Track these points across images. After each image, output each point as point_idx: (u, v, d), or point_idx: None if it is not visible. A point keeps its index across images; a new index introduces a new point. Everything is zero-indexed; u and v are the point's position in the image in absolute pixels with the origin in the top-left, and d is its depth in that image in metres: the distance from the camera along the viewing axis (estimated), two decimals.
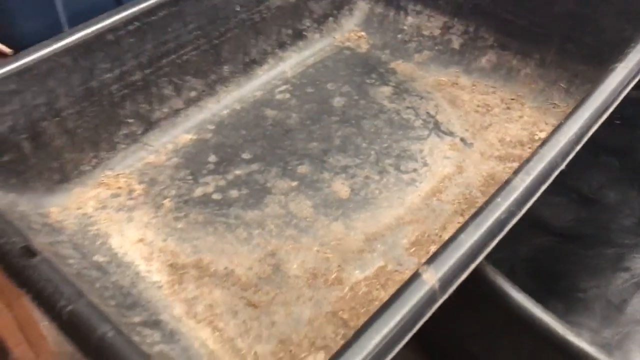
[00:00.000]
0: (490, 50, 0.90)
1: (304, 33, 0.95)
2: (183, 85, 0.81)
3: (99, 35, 0.69)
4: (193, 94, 0.82)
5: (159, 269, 0.65)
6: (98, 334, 0.41)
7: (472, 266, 0.48)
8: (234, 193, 0.73)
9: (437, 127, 0.82)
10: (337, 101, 0.86)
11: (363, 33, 0.99)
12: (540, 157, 0.54)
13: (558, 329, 0.73)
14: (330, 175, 0.75)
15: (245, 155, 0.78)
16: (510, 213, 0.50)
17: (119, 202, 0.72)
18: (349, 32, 0.99)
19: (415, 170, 0.76)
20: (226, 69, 0.85)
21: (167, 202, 0.72)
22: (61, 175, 0.71)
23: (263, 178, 0.75)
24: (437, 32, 0.95)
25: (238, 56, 0.86)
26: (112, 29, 0.70)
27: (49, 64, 0.66)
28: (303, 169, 0.76)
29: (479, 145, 0.80)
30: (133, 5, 0.72)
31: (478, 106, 0.86)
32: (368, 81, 0.90)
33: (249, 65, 0.88)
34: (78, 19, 0.76)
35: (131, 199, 0.72)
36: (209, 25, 0.80)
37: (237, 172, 0.76)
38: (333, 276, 0.64)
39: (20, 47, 0.70)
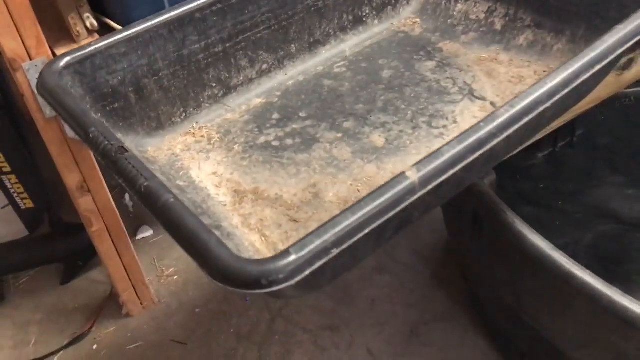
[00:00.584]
0: (528, 29, 1.00)
1: (364, 19, 1.10)
2: (256, 59, 0.98)
3: (190, 14, 0.88)
4: (264, 66, 1.00)
5: (225, 193, 0.82)
6: (162, 200, 0.58)
7: (450, 172, 0.60)
8: (289, 141, 0.89)
9: (470, 93, 0.94)
10: (385, 73, 1.00)
11: (418, 19, 1.13)
12: (526, 95, 0.65)
13: (565, 264, 0.82)
14: (370, 129, 0.89)
15: (302, 114, 0.94)
16: (490, 134, 0.62)
17: (201, 147, 0.90)
18: (406, 18, 1.13)
19: (445, 126, 0.88)
20: (293, 47, 1.02)
21: (236, 147, 0.89)
22: (157, 124, 0.91)
23: (314, 131, 0.90)
24: (482, 15, 1.06)
25: (304, 36, 1.03)
26: (199, 9, 0.89)
27: (151, 33, 0.86)
28: (348, 124, 0.91)
29: None
30: None
31: (512, 77, 0.96)
32: (416, 57, 1.03)
33: (313, 45, 1.05)
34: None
35: (210, 144, 0.91)
36: (279, 9, 0.98)
37: (294, 126, 0.92)
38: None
39: None
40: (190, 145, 0.91)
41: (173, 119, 0.93)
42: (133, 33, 0.84)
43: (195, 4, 0.89)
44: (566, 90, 0.68)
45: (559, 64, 0.92)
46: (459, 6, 1.09)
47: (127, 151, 0.65)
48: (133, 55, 0.85)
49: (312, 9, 1.02)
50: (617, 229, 1.45)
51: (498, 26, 1.04)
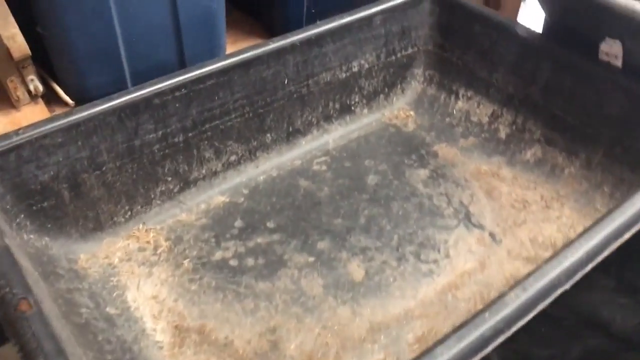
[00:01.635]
0: (537, 144, 0.88)
1: (352, 108, 0.97)
2: (224, 149, 0.84)
3: (146, 99, 0.74)
4: (233, 158, 0.86)
5: (164, 329, 0.67)
6: None
7: None
8: (250, 261, 0.75)
9: (467, 218, 0.81)
10: (371, 179, 0.87)
11: (412, 112, 1.00)
12: (541, 273, 0.52)
13: None
14: (348, 255, 0.75)
15: (270, 224, 0.80)
16: (496, 331, 0.49)
17: (144, 256, 0.75)
18: (399, 110, 1.00)
19: (435, 261, 0.75)
20: (269, 136, 0.89)
21: (186, 263, 0.75)
22: (95, 224, 0.76)
23: (282, 249, 0.76)
24: (485, 119, 0.94)
25: (282, 125, 0.89)
26: (159, 93, 0.75)
27: (96, 121, 0.71)
28: (323, 244, 0.77)
29: (508, 242, 0.77)
30: (183, 73, 0.76)
31: (515, 201, 0.83)
32: (407, 161, 0.90)
33: (293, 135, 0.91)
34: (141, 76, 0.82)
35: (155, 254, 0.76)
36: (256, 95, 0.84)
37: (259, 239, 0.77)
38: None
39: (86, 98, 0.76)
40: (131, 253, 0.76)
41: (115, 219, 0.78)
42: (73, 120, 0.70)
43: (154, 87, 0.75)
44: (590, 266, 0.55)
45: (569, 190, 0.80)
46: (460, 104, 0.97)
47: (31, 307, 0.49)
48: (71, 146, 0.70)
49: (294, 95, 0.89)
50: (607, 344, 1.32)
51: (502, 134, 0.92)
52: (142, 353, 0.63)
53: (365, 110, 0.99)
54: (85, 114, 0.71)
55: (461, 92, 0.97)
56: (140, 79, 0.78)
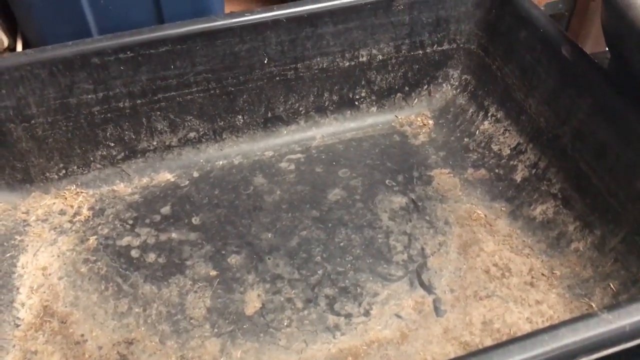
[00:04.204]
0: (551, 200, 0.68)
1: (357, 103, 0.82)
2: (181, 124, 0.76)
3: (83, 56, 0.67)
4: (192, 134, 0.77)
5: (32, 307, 0.63)
6: None
7: None
8: (151, 257, 0.67)
9: (418, 273, 0.65)
10: (334, 194, 0.73)
11: (431, 122, 0.83)
12: None
13: None
14: (254, 280, 0.65)
15: (195, 220, 0.71)
16: None
17: (59, 221, 0.71)
18: (417, 115, 0.83)
19: (349, 315, 0.61)
20: (240, 118, 0.78)
21: (92, 240, 0.69)
22: (24, 176, 0.73)
23: (190, 253, 0.67)
24: (506, 151, 0.74)
25: (259, 109, 0.78)
26: (98, 52, 0.68)
27: (23, 72, 0.66)
28: (235, 259, 0.66)
29: (452, 317, 0.61)
30: (130, 35, 0.68)
31: (495, 266, 0.65)
32: (388, 182, 0.75)
33: (272, 122, 0.80)
34: (110, 31, 0.75)
35: (70, 222, 0.71)
36: (224, 70, 0.74)
37: (174, 234, 0.69)
38: None
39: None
40: (50, 215, 0.72)
41: (47, 174, 0.74)
42: None
43: (93, 45, 0.68)
44: None
45: (567, 271, 0.62)
46: (486, 125, 0.78)
47: None
48: None
49: (277, 78, 0.77)
50: None
51: (519, 176, 0.72)
52: None
53: (374, 109, 0.83)
54: (10, 62, 0.66)
55: (492, 110, 0.78)
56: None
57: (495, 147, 0.76)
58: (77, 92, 0.70)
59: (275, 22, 0.72)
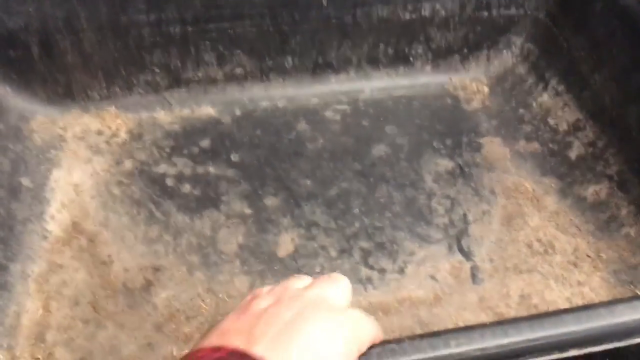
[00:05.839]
0: (606, 181, 0.64)
1: (411, 59, 0.79)
2: (229, 58, 0.73)
3: None
4: (239, 70, 0.75)
5: (62, 221, 0.62)
6: None
7: None
8: (186, 188, 0.65)
9: (457, 238, 0.62)
10: (378, 150, 0.71)
11: (486, 88, 0.79)
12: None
13: None
14: (290, 223, 0.63)
15: (234, 157, 0.69)
16: None
17: (96, 140, 0.70)
18: (472, 80, 0.80)
19: (382, 271, 0.59)
20: (290, 60, 0.75)
21: (128, 163, 0.68)
22: (66, 91, 0.71)
23: (226, 188, 0.65)
24: (563, 126, 0.71)
25: (310, 53, 0.75)
26: None
27: None
28: (271, 201, 0.65)
29: (489, 287, 0.59)
30: None
31: (538, 241, 0.63)
32: (435, 144, 0.72)
33: (321, 68, 0.77)
34: None
35: (107, 142, 0.70)
36: (281, 7, 0.71)
37: (211, 169, 0.67)
38: (186, 330, 0.54)
39: None
40: (87, 133, 0.70)
41: (89, 92, 0.72)
42: None
43: None
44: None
45: (615, 256, 0.59)
46: (545, 98, 0.74)
47: None
48: (45, 1, 0.64)
49: (333, 21, 0.74)
50: None
51: (574, 153, 0.69)
52: (22, 236, 0.59)
53: (429, 68, 0.80)
54: None
55: (553, 82, 0.74)
56: None
57: (551, 121, 0.72)
58: (130, 11, 0.67)
59: None
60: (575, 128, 0.70)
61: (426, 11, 0.75)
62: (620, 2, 0.66)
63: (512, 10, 0.77)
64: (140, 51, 0.71)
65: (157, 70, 0.73)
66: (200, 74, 0.74)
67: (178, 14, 0.69)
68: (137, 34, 0.69)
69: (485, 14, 0.77)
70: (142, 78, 0.73)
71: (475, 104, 0.78)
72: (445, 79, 0.80)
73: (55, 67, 0.69)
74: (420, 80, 0.80)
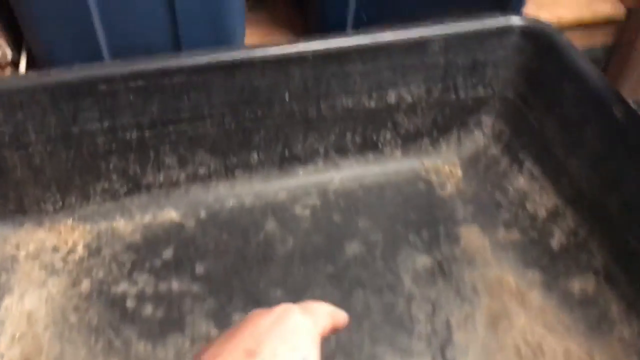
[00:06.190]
0: (592, 274, 0.61)
1: (380, 146, 0.76)
2: (191, 159, 0.70)
3: (90, 83, 0.62)
4: (202, 171, 0.71)
5: (12, 358, 0.57)
6: None
7: None
8: (148, 310, 0.61)
9: (442, 349, 0.59)
10: (352, 248, 0.67)
11: (459, 171, 0.77)
12: None
13: None
14: None
15: (199, 269, 0.65)
16: None
17: (52, 259, 0.65)
18: (444, 162, 0.77)
19: None
20: (255, 156, 0.72)
21: (85, 283, 0.63)
22: (17, 207, 0.67)
23: (191, 306, 0.61)
24: (542, 213, 0.68)
25: (275, 147, 0.72)
26: (106, 79, 0.62)
27: (22, 97, 0.60)
28: (238, 317, 0.60)
29: None
30: (142, 61, 0.63)
31: (527, 344, 0.59)
32: (411, 238, 0.68)
33: (289, 161, 0.74)
34: (123, 53, 0.70)
35: (64, 260, 0.65)
36: (242, 105, 0.68)
37: (175, 284, 0.63)
38: None
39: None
40: (42, 251, 0.66)
41: (43, 205, 0.68)
42: None
43: (101, 71, 0.62)
44: None
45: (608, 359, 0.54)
46: (520, 181, 0.72)
47: None
48: None
49: (297, 115, 0.71)
50: None
51: (555, 243, 0.66)
52: None
53: (399, 153, 0.77)
54: (9, 86, 0.60)
55: (527, 164, 0.72)
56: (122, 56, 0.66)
57: (530, 207, 0.70)
58: (81, 121, 0.64)
59: (301, 58, 0.66)
60: (554, 215, 0.67)
61: (391, 98, 0.73)
62: (591, 85, 0.64)
63: (480, 91, 0.75)
64: (95, 160, 0.67)
65: (114, 177, 0.69)
66: (161, 178, 0.70)
67: (134, 119, 0.65)
68: (90, 142, 0.66)
69: (453, 96, 0.75)
70: (99, 186, 0.69)
71: (450, 188, 0.75)
72: (417, 164, 0.78)
73: (4, 183, 0.65)
74: (390, 166, 0.77)
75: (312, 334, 0.34)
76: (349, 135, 0.75)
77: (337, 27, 0.76)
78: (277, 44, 0.66)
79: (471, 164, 0.77)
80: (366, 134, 0.75)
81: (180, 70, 0.64)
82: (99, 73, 0.62)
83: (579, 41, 0.87)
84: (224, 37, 0.73)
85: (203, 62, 0.64)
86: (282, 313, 0.34)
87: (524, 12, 0.81)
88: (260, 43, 0.71)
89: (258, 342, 0.32)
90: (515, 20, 0.71)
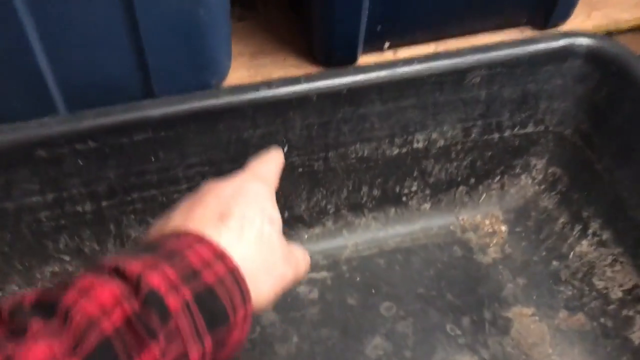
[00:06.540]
0: None
1: (404, 199, 0.61)
2: None
3: (23, 148, 0.46)
4: None
5: None
6: None
7: None
8: None
9: None
10: (374, 347, 0.52)
11: (504, 228, 0.61)
12: None
13: None
14: None
15: None
16: None
17: None
18: (484, 216, 0.62)
19: None
20: None
21: None
22: None
23: None
24: (616, 293, 0.53)
25: None
26: (45, 142, 0.46)
27: None
28: None
29: None
30: (92, 118, 0.47)
31: None
32: (449, 328, 0.53)
33: (289, 224, 0.59)
34: (80, 102, 0.54)
35: None
36: (228, 162, 0.53)
37: None
38: None
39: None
40: None
41: None
42: None
43: (38, 133, 0.47)
44: None
45: None
46: (584, 247, 0.57)
47: None
48: None
49: (300, 170, 0.56)
50: None
51: (636, 337, 0.51)
52: None
53: (427, 206, 0.62)
54: None
55: (594, 226, 0.56)
56: (79, 105, 0.50)
57: (598, 283, 0.54)
58: (17, 195, 0.49)
59: (302, 100, 0.51)
60: (633, 297, 0.52)
61: (419, 143, 0.57)
62: None
63: (530, 128, 0.60)
64: (39, 239, 0.52)
65: (66, 258, 0.54)
66: None
67: (85, 188, 0.50)
68: (32, 219, 0.51)
69: (496, 136, 0.59)
70: (48, 270, 0.54)
71: (493, 252, 0.60)
72: (451, 219, 0.62)
73: None
74: (418, 224, 0.62)
75: (270, 197, 0.36)
76: (364, 189, 0.59)
77: (345, 50, 0.60)
78: (271, 82, 0.50)
79: (519, 218, 0.61)
80: (387, 186, 0.60)
81: (142, 125, 0.48)
82: (34, 134, 0.46)
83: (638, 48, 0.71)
84: (207, 76, 0.56)
85: (172, 111, 0.48)
86: (240, 183, 0.36)
87: (572, 16, 0.64)
88: (248, 81, 0.55)
89: (227, 206, 0.33)
90: (580, 41, 0.54)
